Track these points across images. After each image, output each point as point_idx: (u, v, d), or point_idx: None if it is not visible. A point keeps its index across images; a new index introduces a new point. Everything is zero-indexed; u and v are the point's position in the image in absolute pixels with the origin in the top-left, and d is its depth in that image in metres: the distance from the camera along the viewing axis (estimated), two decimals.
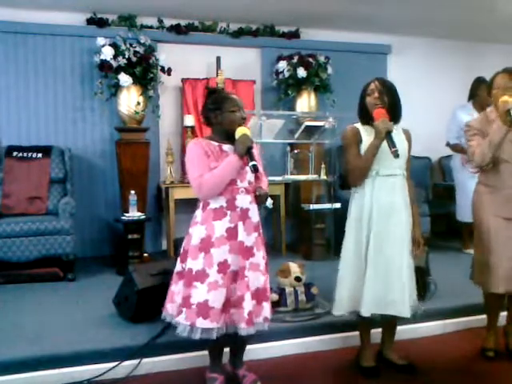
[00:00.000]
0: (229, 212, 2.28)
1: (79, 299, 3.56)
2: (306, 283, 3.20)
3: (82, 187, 4.86)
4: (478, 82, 4.40)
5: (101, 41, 4.52)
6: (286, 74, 5.13)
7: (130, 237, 4.26)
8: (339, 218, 3.73)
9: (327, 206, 3.75)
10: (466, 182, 4.17)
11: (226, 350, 2.58)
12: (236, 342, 2.46)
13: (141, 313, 3.01)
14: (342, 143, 2.59)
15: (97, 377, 2.54)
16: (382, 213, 2.48)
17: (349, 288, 2.55)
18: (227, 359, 2.61)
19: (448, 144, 4.70)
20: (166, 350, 2.73)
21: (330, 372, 2.73)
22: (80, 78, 4.91)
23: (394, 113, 2.50)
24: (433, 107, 5.71)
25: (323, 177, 3.99)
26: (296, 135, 3.63)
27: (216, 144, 2.32)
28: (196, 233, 2.30)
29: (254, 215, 2.35)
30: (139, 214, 4.34)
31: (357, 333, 2.78)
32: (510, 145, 2.63)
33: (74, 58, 4.90)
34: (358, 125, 2.57)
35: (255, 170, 2.25)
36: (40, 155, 4.50)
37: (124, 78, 4.45)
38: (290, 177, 3.85)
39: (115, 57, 4.45)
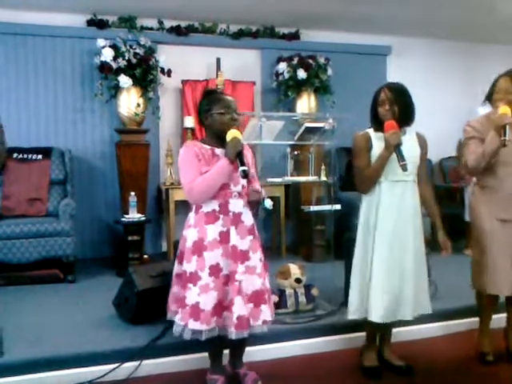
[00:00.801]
0: (221, 216, 2.28)
1: (79, 301, 3.56)
2: (306, 285, 3.20)
3: (82, 189, 4.86)
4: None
5: (101, 42, 4.52)
6: (286, 76, 5.13)
7: (129, 238, 4.26)
8: (339, 220, 3.74)
9: (327, 207, 3.76)
10: None
11: (226, 351, 2.58)
12: (233, 343, 2.44)
13: (141, 314, 3.01)
14: (352, 149, 2.58)
15: (97, 378, 2.54)
16: (389, 219, 2.48)
17: (357, 293, 2.56)
18: (227, 360, 2.61)
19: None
20: (166, 351, 2.73)
21: (331, 373, 2.72)
22: (80, 80, 4.92)
23: (406, 118, 2.49)
24: (433, 108, 5.70)
25: (323, 178, 3.99)
26: (296, 136, 3.63)
27: (208, 147, 2.30)
28: (189, 236, 2.31)
29: (248, 219, 2.35)
30: (139, 215, 4.34)
31: (357, 334, 2.79)
32: (507, 147, 2.57)
33: (74, 60, 4.90)
34: (370, 131, 2.56)
35: (245, 175, 2.21)
36: (40, 157, 4.50)
37: (124, 80, 4.45)
38: (290, 178, 3.86)
39: (115, 58, 4.45)
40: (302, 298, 3.15)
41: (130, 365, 2.61)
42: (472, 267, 2.82)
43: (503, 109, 2.51)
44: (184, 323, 2.26)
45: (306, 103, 5.23)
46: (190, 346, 2.67)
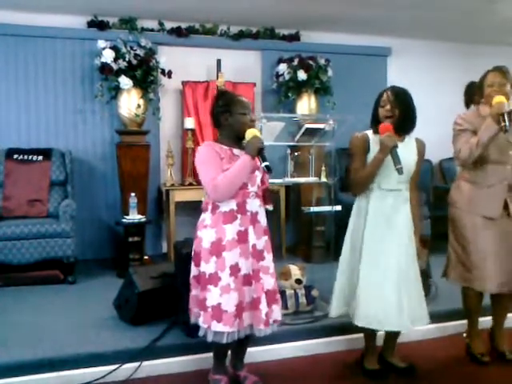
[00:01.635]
0: (239, 215, 2.28)
1: (80, 302, 3.56)
2: (306, 285, 3.21)
3: (83, 190, 4.86)
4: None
5: (101, 43, 4.52)
6: (287, 77, 5.13)
7: (130, 239, 4.27)
8: (339, 221, 3.74)
9: (327, 208, 3.75)
10: None
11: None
12: (242, 343, 2.45)
13: (141, 315, 3.01)
14: (349, 150, 2.58)
15: (97, 379, 2.54)
16: (380, 227, 2.47)
17: (340, 295, 2.61)
18: (228, 362, 2.61)
19: None
20: (166, 352, 2.73)
21: (331, 374, 2.73)
22: (80, 81, 4.92)
23: (406, 124, 2.47)
24: (433, 110, 5.70)
25: (323, 179, 3.98)
26: (296, 138, 3.62)
27: (227, 148, 2.31)
28: (206, 236, 2.29)
29: (263, 219, 2.37)
30: (140, 216, 4.34)
31: (358, 335, 2.79)
32: (498, 143, 2.60)
33: (74, 61, 4.90)
34: (369, 132, 2.54)
35: (269, 170, 2.24)
36: (40, 158, 4.50)
37: (124, 81, 4.45)
38: (290, 179, 3.85)
39: (116, 59, 4.45)
40: (303, 299, 3.15)
41: (130, 366, 2.62)
42: (450, 260, 2.82)
43: (499, 98, 2.53)
44: (207, 325, 2.24)
45: (306, 104, 5.23)
46: (191, 347, 2.68)
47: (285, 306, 3.08)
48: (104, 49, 4.48)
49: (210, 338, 2.25)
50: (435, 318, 3.00)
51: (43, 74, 4.83)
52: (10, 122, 4.77)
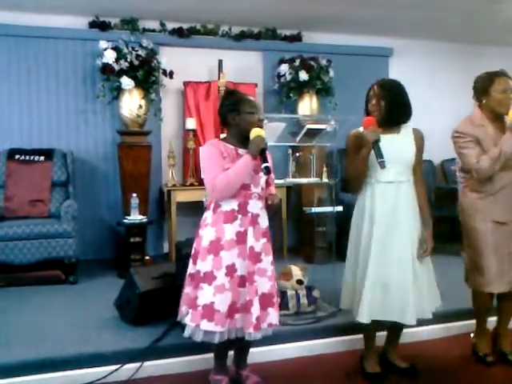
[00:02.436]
0: (240, 216, 2.27)
1: (81, 302, 3.57)
2: (307, 286, 3.20)
3: (84, 190, 4.87)
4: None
5: (103, 44, 4.53)
6: (288, 77, 5.13)
7: (131, 240, 4.27)
8: (341, 221, 3.73)
9: (329, 209, 3.75)
10: None
11: (230, 351, 2.58)
12: (242, 343, 2.45)
13: (143, 315, 3.01)
14: (346, 148, 2.59)
15: (99, 380, 2.54)
16: (383, 220, 2.45)
17: (348, 293, 2.58)
18: (230, 360, 2.61)
19: None
20: (168, 352, 2.73)
21: (333, 375, 2.72)
22: (82, 81, 4.93)
23: (392, 114, 2.44)
24: (434, 110, 5.71)
25: (325, 180, 3.99)
26: (298, 138, 3.62)
27: (232, 147, 2.31)
28: (206, 234, 2.29)
29: (264, 221, 2.36)
30: (141, 217, 4.34)
31: (359, 336, 2.78)
32: None
33: (76, 61, 4.91)
34: (362, 129, 2.54)
35: (267, 171, 2.23)
36: (42, 158, 4.51)
37: (126, 81, 4.46)
38: (291, 180, 3.84)
39: (117, 60, 4.45)
40: (304, 300, 3.15)
41: (131, 366, 2.62)
42: (467, 267, 2.85)
43: None
44: (195, 324, 2.22)
45: (307, 105, 5.23)
46: (192, 347, 2.68)
47: (286, 307, 3.08)
48: (106, 49, 4.49)
49: (200, 338, 2.23)
50: (439, 318, 3.00)
51: (45, 75, 4.84)
52: (11, 123, 4.78)
